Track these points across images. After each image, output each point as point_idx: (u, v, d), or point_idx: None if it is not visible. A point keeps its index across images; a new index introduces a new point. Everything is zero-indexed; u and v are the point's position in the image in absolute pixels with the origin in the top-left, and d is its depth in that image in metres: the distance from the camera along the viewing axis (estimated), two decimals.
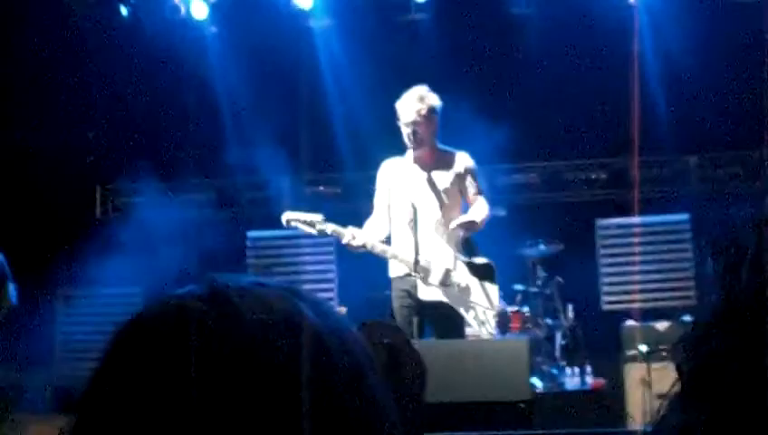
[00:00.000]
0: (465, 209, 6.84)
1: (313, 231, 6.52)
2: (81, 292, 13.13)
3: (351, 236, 6.39)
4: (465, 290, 6.48)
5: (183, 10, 12.13)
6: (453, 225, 6.46)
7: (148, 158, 12.84)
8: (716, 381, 1.00)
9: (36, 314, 12.30)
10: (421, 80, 10.83)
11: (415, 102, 6.46)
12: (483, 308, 6.47)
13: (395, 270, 6.61)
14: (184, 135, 12.58)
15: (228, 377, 0.87)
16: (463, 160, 6.76)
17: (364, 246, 6.40)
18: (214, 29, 12.53)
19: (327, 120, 12.06)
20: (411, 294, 6.37)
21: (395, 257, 6.46)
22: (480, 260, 6.72)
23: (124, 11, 12.27)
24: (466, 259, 6.60)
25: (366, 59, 11.86)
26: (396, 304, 6.57)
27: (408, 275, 6.42)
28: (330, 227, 6.45)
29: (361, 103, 11.66)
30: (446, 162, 6.70)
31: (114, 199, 13.55)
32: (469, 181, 6.73)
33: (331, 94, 12.26)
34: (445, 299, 6.41)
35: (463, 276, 6.50)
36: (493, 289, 6.64)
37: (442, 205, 6.59)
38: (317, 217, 6.49)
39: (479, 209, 6.65)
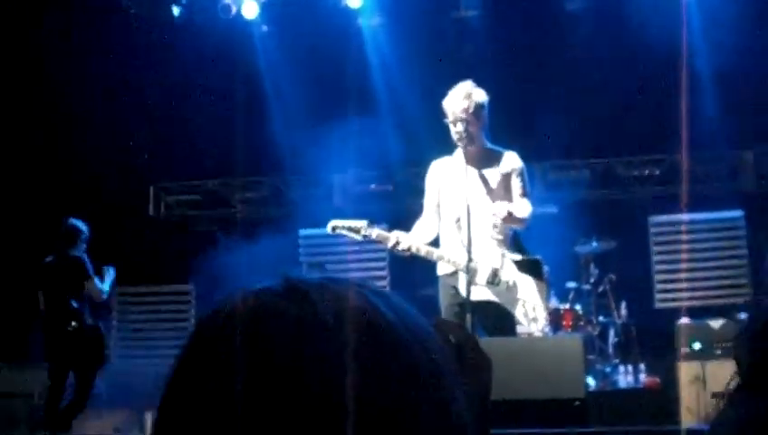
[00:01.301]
0: None
1: (358, 237, 6.49)
2: (134, 289, 13.29)
3: (396, 240, 6.35)
4: (514, 288, 6.42)
5: (234, 9, 12.22)
6: (493, 210, 6.34)
7: (201, 157, 12.96)
8: None
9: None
10: (472, 77, 10.87)
11: (462, 100, 6.38)
12: (532, 305, 6.41)
13: (443, 268, 6.57)
14: (236, 134, 12.64)
15: (309, 372, 0.87)
16: (511, 160, 6.66)
17: (409, 250, 6.36)
18: (265, 28, 12.61)
19: (377, 118, 12.06)
20: (459, 292, 6.33)
21: (441, 259, 6.42)
22: (528, 257, 6.66)
23: (176, 11, 12.38)
24: (514, 257, 6.54)
25: (416, 57, 11.86)
26: (444, 302, 6.53)
27: (456, 273, 6.38)
28: (374, 232, 6.41)
29: (412, 101, 11.65)
30: (494, 161, 6.62)
31: (167, 198, 13.68)
32: (515, 182, 6.63)
33: (381, 92, 12.28)
34: (494, 298, 6.36)
35: (511, 274, 6.44)
36: (541, 286, 6.56)
37: (489, 202, 6.53)
38: (362, 223, 6.46)
39: (521, 207, 6.58)
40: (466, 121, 6.33)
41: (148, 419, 10.06)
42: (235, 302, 0.94)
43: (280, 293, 0.94)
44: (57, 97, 11.86)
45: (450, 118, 6.39)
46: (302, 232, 13.26)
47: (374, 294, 0.96)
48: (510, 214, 6.39)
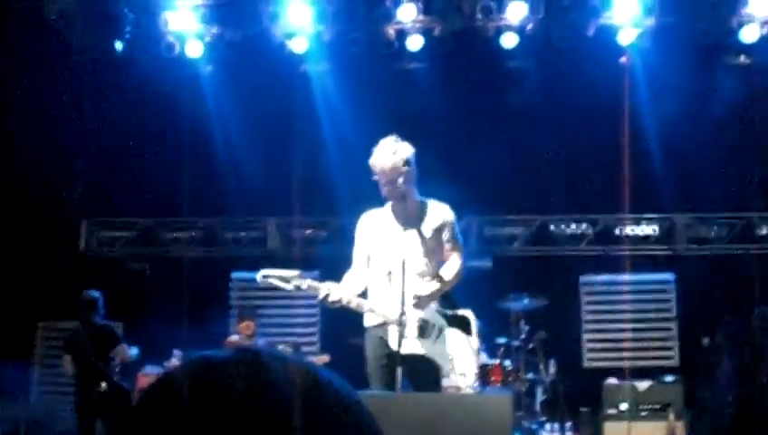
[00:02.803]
0: (439, 263, 6.75)
1: (289, 287, 6.37)
2: (61, 325, 13.05)
3: (327, 292, 6.28)
4: (443, 342, 6.40)
5: (178, 48, 12.15)
6: (413, 299, 6.34)
7: (137, 194, 12.83)
8: None
9: (16, 346, 12.23)
10: (416, 127, 10.92)
11: (389, 156, 6.32)
12: (462, 360, 6.39)
13: (370, 320, 6.51)
14: (173, 172, 12.55)
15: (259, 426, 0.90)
16: (441, 213, 6.63)
17: (340, 302, 6.30)
18: (209, 68, 12.54)
19: (320, 163, 12.06)
20: (388, 343, 6.29)
21: (372, 311, 6.37)
22: (459, 312, 6.63)
23: (119, 46, 12.28)
24: (444, 311, 6.52)
25: (361, 104, 11.88)
26: (371, 353, 6.46)
27: (384, 324, 6.34)
28: (305, 283, 6.32)
29: (355, 148, 11.61)
30: (425, 214, 6.59)
31: (100, 233, 13.49)
32: (446, 235, 6.60)
33: (325, 137, 12.28)
34: (422, 351, 6.33)
35: (440, 328, 6.42)
36: (472, 341, 6.55)
37: (421, 256, 6.51)
38: (293, 273, 6.36)
39: (448, 270, 6.55)
40: (395, 178, 6.30)
41: None
42: (185, 366, 0.98)
43: (232, 360, 0.97)
44: None
45: (379, 175, 6.36)
46: (235, 275, 13.16)
47: (313, 366, 1.01)
48: (430, 295, 6.39)
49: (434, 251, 6.52)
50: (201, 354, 0.99)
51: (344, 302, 6.28)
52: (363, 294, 6.53)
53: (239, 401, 0.91)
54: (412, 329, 6.29)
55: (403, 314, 6.10)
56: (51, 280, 12.33)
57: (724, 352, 9.46)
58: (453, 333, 6.45)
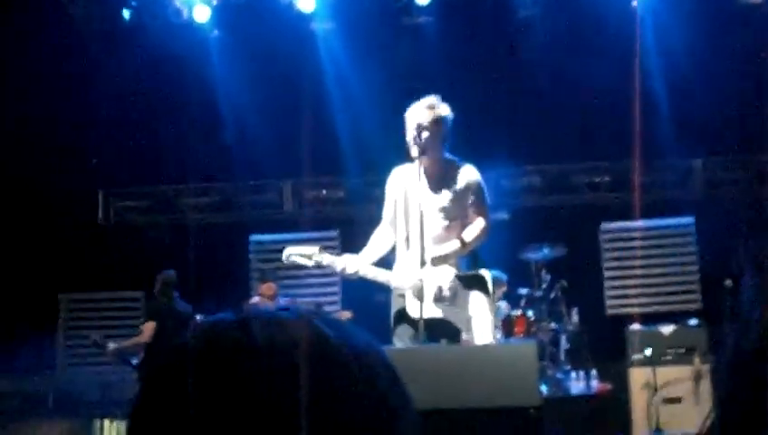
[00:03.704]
0: (464, 223, 6.72)
1: (310, 263, 6.48)
2: (83, 296, 13.13)
3: (343, 265, 6.34)
4: (460, 304, 6.40)
5: (185, 13, 12.09)
6: (432, 258, 6.34)
7: (151, 162, 12.84)
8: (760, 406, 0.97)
9: (39, 319, 12.31)
10: (425, 82, 10.84)
11: (424, 109, 6.34)
12: (478, 321, 6.40)
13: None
14: (186, 139, 12.54)
15: (259, 392, 0.94)
16: (468, 174, 6.57)
17: (356, 274, 6.35)
18: (216, 32, 12.48)
19: (330, 123, 12.02)
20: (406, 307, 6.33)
21: (388, 283, 6.39)
22: (474, 273, 6.62)
23: (126, 14, 12.23)
24: (461, 272, 6.50)
25: (369, 62, 11.83)
26: (395, 309, 6.50)
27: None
28: (326, 259, 6.39)
29: (365, 107, 11.63)
30: (451, 174, 6.55)
31: (117, 203, 13.52)
32: (471, 197, 6.58)
33: (333, 97, 12.22)
34: (441, 315, 6.33)
35: (456, 290, 6.41)
36: (489, 301, 6.54)
37: (444, 217, 6.48)
38: (313, 250, 6.43)
39: (469, 231, 6.54)
40: (425, 128, 6.28)
41: (97, 427, 9.99)
42: (191, 335, 1.03)
43: (233, 325, 1.01)
44: (6, 104, 11.66)
45: (409, 124, 6.34)
46: (253, 238, 13.19)
47: (323, 321, 1.02)
48: (445, 256, 6.40)
49: (457, 212, 6.50)
50: (205, 322, 1.04)
51: (360, 274, 6.33)
52: (392, 251, 6.54)
53: (238, 366, 0.95)
54: (430, 294, 6.29)
55: (420, 280, 6.11)
56: (70, 251, 12.38)
57: (747, 271, 9.42)
58: (470, 295, 6.44)
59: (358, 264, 6.34)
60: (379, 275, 6.37)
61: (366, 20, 12.02)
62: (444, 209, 6.45)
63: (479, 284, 6.47)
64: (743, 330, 1.01)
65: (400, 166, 6.68)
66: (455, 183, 6.50)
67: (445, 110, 6.40)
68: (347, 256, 6.42)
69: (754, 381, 0.96)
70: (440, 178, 6.44)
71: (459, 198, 6.49)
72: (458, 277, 6.44)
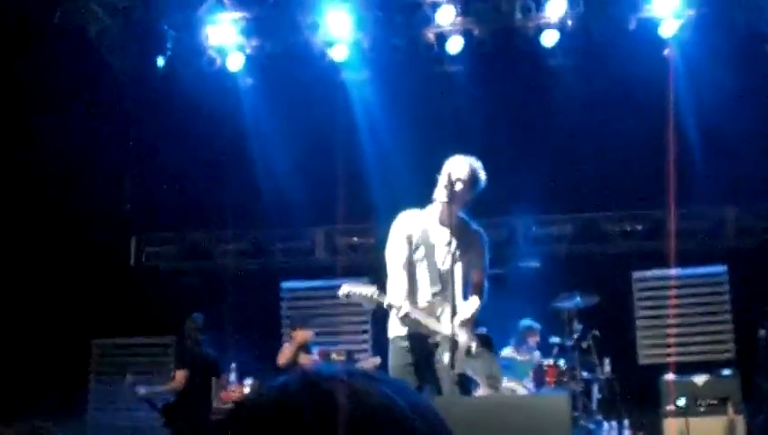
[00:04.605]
0: (467, 282, 6.76)
1: (371, 304, 6.45)
2: (115, 341, 13.18)
3: (406, 311, 6.29)
4: (480, 360, 6.43)
5: (219, 61, 12.22)
6: (459, 323, 6.36)
7: (184, 208, 12.92)
8: None
9: (71, 364, 12.36)
10: (456, 131, 10.88)
11: (466, 164, 6.43)
12: (495, 378, 6.45)
13: (395, 330, 6.52)
14: (219, 186, 12.63)
15: None
16: (479, 235, 6.71)
17: (414, 319, 6.32)
18: (249, 81, 12.60)
19: (362, 171, 12.07)
20: (408, 352, 6.31)
21: (436, 333, 6.36)
22: (481, 332, 6.74)
23: (161, 62, 12.37)
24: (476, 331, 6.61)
25: (400, 110, 11.89)
26: (397, 362, 6.44)
27: (419, 335, 6.34)
28: (386, 300, 6.36)
29: (396, 155, 11.68)
30: (464, 232, 6.64)
31: (149, 248, 13.61)
32: (478, 257, 6.66)
33: (365, 145, 12.28)
34: (467, 371, 6.35)
35: (477, 347, 6.46)
36: (495, 360, 6.67)
37: (460, 272, 6.55)
38: (373, 289, 6.41)
39: (480, 292, 6.62)
40: (462, 181, 6.36)
41: None
42: (258, 398, 1.00)
43: (299, 390, 0.99)
44: (43, 150, 11.80)
45: (448, 170, 6.39)
46: (285, 284, 13.22)
47: (384, 383, 1.01)
48: (472, 316, 6.47)
49: (466, 268, 6.58)
50: (271, 385, 1.01)
51: (413, 318, 6.30)
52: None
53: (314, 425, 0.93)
54: (462, 348, 6.30)
55: (454, 335, 6.13)
56: (103, 297, 12.46)
57: None
58: (483, 352, 6.50)
59: (415, 310, 6.34)
60: (430, 322, 6.36)
61: (397, 69, 12.10)
62: (459, 259, 6.50)
63: (487, 343, 6.57)
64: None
65: (409, 210, 6.71)
66: (467, 240, 6.57)
67: (482, 174, 6.49)
68: (407, 302, 6.37)
69: None
70: (456, 232, 6.48)
71: (468, 254, 6.57)
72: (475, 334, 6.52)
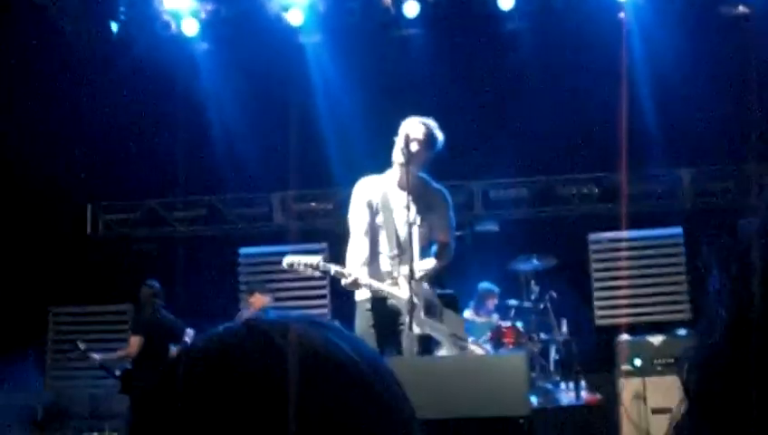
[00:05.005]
0: (430, 242, 6.75)
1: (317, 273, 6.45)
2: (72, 309, 13.09)
3: (354, 278, 6.26)
4: (443, 321, 6.43)
5: (174, 26, 12.09)
6: (420, 274, 6.36)
7: (139, 175, 12.81)
8: (727, 403, 0.97)
9: (28, 333, 12.27)
10: (412, 94, 10.85)
11: (420, 124, 6.41)
12: (459, 337, 6.45)
13: (361, 294, 6.51)
14: (175, 152, 12.54)
15: (271, 413, 0.90)
16: (440, 194, 6.68)
17: (365, 284, 6.30)
18: (205, 45, 12.48)
19: (318, 136, 12.02)
20: (372, 316, 6.30)
21: (392, 296, 6.36)
22: (446, 292, 6.70)
23: (114, 27, 12.22)
24: (437, 290, 6.57)
25: (357, 74, 11.84)
26: (362, 326, 6.42)
27: (383, 299, 6.34)
28: (332, 268, 6.34)
29: (353, 119, 11.64)
30: (424, 191, 6.62)
31: (105, 217, 13.49)
32: (442, 217, 6.64)
33: (322, 110, 12.23)
34: (427, 330, 6.35)
35: (440, 307, 6.46)
36: (460, 320, 6.66)
37: (421, 234, 6.53)
38: (317, 259, 6.40)
39: (442, 251, 6.61)
40: (419, 142, 6.34)
41: None
42: (199, 344, 0.97)
43: (242, 335, 0.97)
44: None
45: (403, 132, 6.37)
46: (242, 251, 13.18)
47: (332, 331, 1.00)
48: (429, 274, 6.47)
49: (428, 230, 6.57)
50: (211, 334, 0.99)
51: (364, 283, 6.29)
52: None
53: (249, 382, 0.92)
54: (421, 309, 6.32)
55: (412, 295, 6.12)
56: (59, 265, 12.36)
57: (713, 268, 9.42)
58: (448, 313, 6.51)
59: (366, 277, 6.32)
60: (384, 287, 6.36)
61: (354, 32, 12.05)
62: (420, 220, 6.49)
63: (452, 303, 6.57)
64: (707, 330, 1.02)
65: (368, 176, 6.70)
66: (428, 200, 6.56)
67: (439, 135, 6.47)
68: (354, 270, 6.36)
69: (720, 381, 0.97)
70: (415, 193, 6.46)
71: (432, 214, 6.56)
72: (438, 295, 6.51)
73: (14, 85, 11.73)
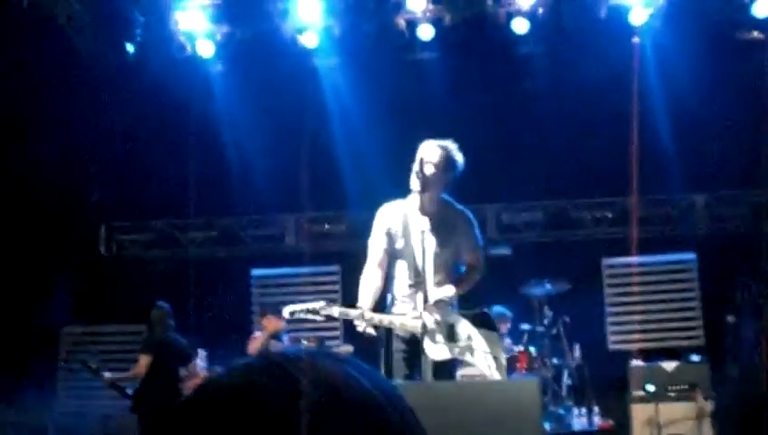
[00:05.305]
0: (457, 265, 6.69)
1: (319, 318, 6.37)
2: (84, 329, 13.10)
3: (361, 315, 6.20)
4: (470, 341, 6.36)
5: (189, 48, 12.13)
6: (436, 301, 6.29)
7: (153, 196, 12.85)
8: None
9: (41, 351, 12.28)
10: (426, 117, 10.85)
11: (435, 147, 6.36)
12: (493, 356, 6.35)
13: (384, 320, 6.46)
14: (189, 173, 12.55)
15: None
16: (463, 216, 6.62)
17: (371, 322, 6.23)
18: (220, 67, 12.51)
19: (333, 158, 12.03)
20: (409, 342, 6.25)
21: (404, 329, 6.31)
22: (477, 311, 6.61)
23: (130, 48, 12.25)
24: (464, 311, 6.49)
25: (372, 97, 11.86)
26: (395, 347, 6.39)
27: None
28: (335, 311, 6.29)
29: (366, 141, 11.65)
30: (447, 215, 6.56)
31: (119, 237, 13.52)
32: (467, 238, 6.57)
33: (336, 132, 12.24)
34: (451, 356, 6.29)
35: (466, 328, 6.38)
36: (495, 337, 6.53)
37: (438, 257, 6.46)
38: (320, 304, 6.35)
39: (466, 277, 6.54)
40: (434, 166, 6.30)
41: None
42: (217, 381, 0.98)
43: (261, 370, 0.98)
44: (8, 135, 11.69)
45: (419, 156, 6.35)
46: (255, 272, 13.19)
47: (343, 362, 1.01)
48: (449, 298, 6.39)
49: (453, 253, 6.52)
50: (232, 367, 1.00)
51: (376, 322, 6.24)
52: (385, 287, 6.49)
53: (270, 418, 0.92)
54: (441, 334, 6.26)
55: (424, 326, 6.08)
56: (72, 285, 12.38)
57: (747, 314, 9.40)
58: (477, 333, 6.43)
59: (373, 312, 6.26)
60: (394, 322, 6.30)
61: (369, 55, 12.06)
62: (444, 245, 6.44)
63: (485, 321, 6.48)
64: (744, 375, 1.02)
65: (391, 202, 6.67)
66: (450, 223, 6.51)
67: (458, 157, 6.42)
68: (363, 307, 6.29)
69: (757, 425, 0.97)
70: (437, 217, 6.43)
71: (455, 237, 6.50)
72: (465, 316, 6.43)
73: (30, 105, 11.77)
